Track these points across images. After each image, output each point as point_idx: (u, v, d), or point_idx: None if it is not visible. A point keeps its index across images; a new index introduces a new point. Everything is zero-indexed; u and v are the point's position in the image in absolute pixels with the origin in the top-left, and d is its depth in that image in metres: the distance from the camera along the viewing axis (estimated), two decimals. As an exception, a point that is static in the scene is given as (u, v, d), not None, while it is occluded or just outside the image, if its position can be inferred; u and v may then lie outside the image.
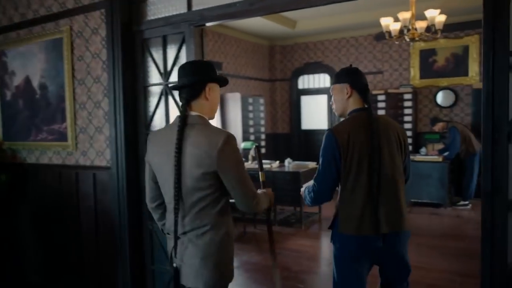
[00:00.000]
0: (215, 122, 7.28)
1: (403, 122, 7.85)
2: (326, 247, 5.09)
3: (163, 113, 3.05)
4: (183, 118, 1.76)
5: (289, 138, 9.39)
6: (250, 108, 7.92)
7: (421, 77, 7.97)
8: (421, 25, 5.36)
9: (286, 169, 5.88)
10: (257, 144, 2.41)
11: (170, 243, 1.90)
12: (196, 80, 1.78)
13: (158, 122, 3.10)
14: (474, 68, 7.51)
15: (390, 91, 7.99)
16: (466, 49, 7.56)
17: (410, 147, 7.60)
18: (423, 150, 7.41)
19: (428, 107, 7.99)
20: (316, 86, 9.23)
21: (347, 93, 2.13)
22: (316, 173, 2.14)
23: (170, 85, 2.93)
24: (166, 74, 3.01)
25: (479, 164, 6.65)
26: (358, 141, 2.03)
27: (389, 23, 5.64)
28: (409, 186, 2.34)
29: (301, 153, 9.35)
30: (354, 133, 2.05)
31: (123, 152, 3.08)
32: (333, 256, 2.17)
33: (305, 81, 9.36)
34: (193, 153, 1.72)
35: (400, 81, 8.17)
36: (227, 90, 8.00)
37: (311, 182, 2.18)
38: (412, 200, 6.62)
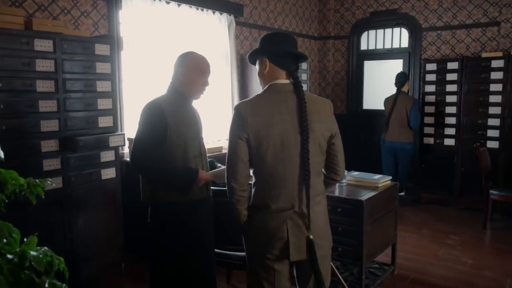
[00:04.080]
0: (228, 92, 4.67)
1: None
2: None
3: None
4: (297, 84, 1.86)
5: (345, 123, 6.56)
6: (286, 76, 5.21)
7: None
8: None
9: (337, 192, 3.18)
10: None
11: (279, 220, 1.84)
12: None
13: None
14: None
15: (515, 52, 4.94)
16: None
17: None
18: None
19: None
20: (388, 46, 6.29)
21: None
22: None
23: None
24: None
25: None
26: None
27: None
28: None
29: (361, 149, 6.51)
30: None
31: None
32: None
33: (371, 39, 6.43)
34: (316, 116, 1.83)
35: (529, 37, 5.08)
36: (249, 48, 5.33)
37: None
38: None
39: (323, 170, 1.96)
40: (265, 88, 1.91)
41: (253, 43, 5.34)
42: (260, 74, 1.96)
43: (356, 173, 3.48)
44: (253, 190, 1.94)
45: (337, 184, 3.31)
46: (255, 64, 2.00)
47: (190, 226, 2.27)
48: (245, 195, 1.91)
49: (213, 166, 2.57)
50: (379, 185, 3.22)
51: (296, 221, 1.84)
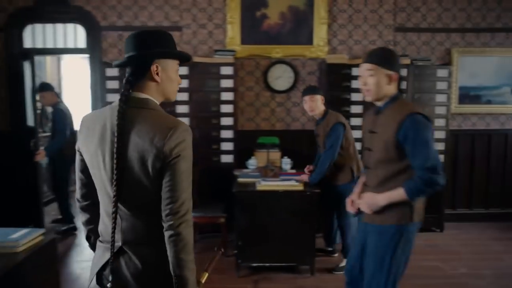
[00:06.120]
0: None
1: (219, 114, 4.61)
2: None
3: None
4: (125, 100, 1.41)
5: (11, 142, 4.90)
6: None
7: (244, 41, 4.89)
8: None
9: None
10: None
11: (99, 254, 1.52)
12: (139, 56, 1.43)
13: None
14: (320, 33, 4.87)
15: (198, 60, 4.61)
16: (310, 2, 4.86)
17: (229, 157, 4.59)
18: (252, 162, 4.40)
19: (254, 90, 5.01)
20: (60, 45, 5.08)
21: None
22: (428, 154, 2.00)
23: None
24: None
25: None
26: None
27: None
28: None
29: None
30: None
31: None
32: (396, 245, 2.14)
33: (39, 35, 5.06)
34: (138, 143, 1.37)
35: (210, 45, 4.91)
36: None
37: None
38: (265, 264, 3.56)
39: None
40: None
41: None
42: None
43: None
44: None
45: None
46: None
47: None
48: (83, 211, 1.63)
49: None
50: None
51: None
